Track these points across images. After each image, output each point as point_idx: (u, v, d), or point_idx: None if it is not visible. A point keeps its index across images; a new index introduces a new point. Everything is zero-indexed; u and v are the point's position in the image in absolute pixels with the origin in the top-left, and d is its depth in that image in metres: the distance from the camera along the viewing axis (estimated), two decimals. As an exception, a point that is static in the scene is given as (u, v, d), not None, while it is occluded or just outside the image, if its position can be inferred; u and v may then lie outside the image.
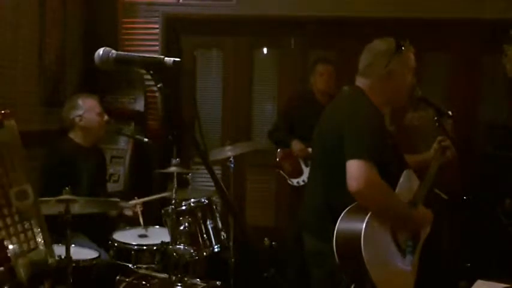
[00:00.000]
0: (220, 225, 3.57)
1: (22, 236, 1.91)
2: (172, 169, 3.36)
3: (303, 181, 4.28)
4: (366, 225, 2.21)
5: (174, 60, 1.60)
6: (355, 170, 2.20)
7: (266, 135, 4.60)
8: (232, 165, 4.06)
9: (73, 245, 2.91)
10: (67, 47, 4.52)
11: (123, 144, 4.67)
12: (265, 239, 4.88)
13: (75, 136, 3.56)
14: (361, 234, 2.20)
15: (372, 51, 2.46)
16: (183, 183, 3.92)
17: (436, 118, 2.62)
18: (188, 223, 3.39)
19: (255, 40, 5.37)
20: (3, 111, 1.95)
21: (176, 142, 3.54)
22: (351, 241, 2.23)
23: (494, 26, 4.59)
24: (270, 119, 5.14)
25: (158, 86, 1.61)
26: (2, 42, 3.63)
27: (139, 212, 3.61)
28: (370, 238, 2.22)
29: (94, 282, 3.10)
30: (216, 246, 3.50)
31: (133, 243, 3.37)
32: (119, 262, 3.33)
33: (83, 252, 3.13)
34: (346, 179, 2.22)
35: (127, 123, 4.63)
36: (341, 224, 2.28)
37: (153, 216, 3.80)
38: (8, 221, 1.88)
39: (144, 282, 3.14)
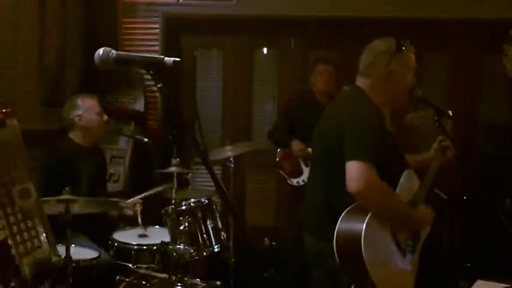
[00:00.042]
0: (220, 225, 3.57)
1: (25, 234, 1.91)
2: (172, 169, 3.36)
3: (303, 181, 4.28)
4: (366, 226, 2.21)
5: (174, 60, 1.60)
6: (354, 171, 2.20)
7: (266, 135, 4.60)
8: (232, 165, 4.06)
9: (73, 245, 2.91)
10: (67, 47, 4.52)
11: (123, 144, 4.67)
12: (265, 239, 4.88)
13: (75, 136, 3.56)
14: (361, 234, 2.20)
15: (373, 51, 2.46)
16: (183, 183, 3.92)
17: (436, 118, 2.62)
18: (188, 223, 3.38)
19: (255, 40, 5.37)
20: (4, 110, 1.95)
21: (176, 142, 3.54)
22: (351, 241, 2.23)
23: (494, 26, 4.59)
24: (270, 119, 5.14)
25: (158, 86, 1.61)
26: (2, 42, 3.63)
27: (139, 211, 3.61)
28: (370, 238, 2.22)
29: (94, 282, 3.10)
30: (216, 246, 3.50)
31: (133, 243, 3.37)
32: (119, 262, 3.33)
33: (83, 252, 3.13)
34: (346, 179, 2.22)
35: (127, 123, 4.62)
36: (341, 225, 2.28)
37: (153, 216, 3.80)
38: (12, 219, 1.88)
39: (144, 282, 3.14)
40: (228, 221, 3.94)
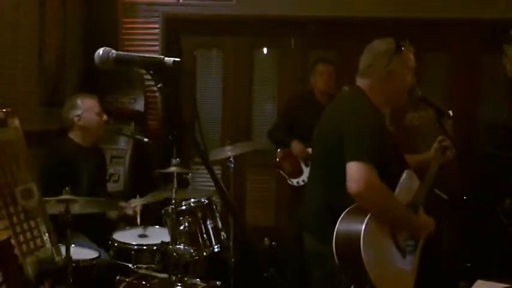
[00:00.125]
0: (220, 225, 3.57)
1: (28, 234, 1.91)
2: (172, 169, 3.36)
3: (303, 181, 4.28)
4: (365, 227, 2.21)
5: (174, 60, 1.60)
6: (355, 172, 2.20)
7: (266, 135, 4.60)
8: (232, 165, 4.06)
9: (73, 245, 2.91)
10: (67, 47, 4.52)
11: (123, 144, 4.66)
12: (265, 239, 4.88)
13: (75, 136, 3.57)
14: (360, 235, 2.20)
15: (372, 51, 2.46)
16: (183, 183, 3.92)
17: (436, 118, 2.62)
18: (188, 223, 3.38)
19: (255, 40, 5.36)
20: (5, 110, 1.95)
21: (176, 142, 3.54)
22: (350, 242, 2.23)
23: (494, 26, 4.59)
24: (270, 119, 5.14)
25: (158, 86, 1.61)
26: (2, 42, 3.63)
27: (138, 211, 3.61)
28: (369, 239, 2.21)
29: (94, 282, 3.10)
30: (216, 246, 3.50)
31: (133, 243, 3.37)
32: (119, 262, 3.33)
33: (83, 252, 3.13)
34: (346, 179, 2.22)
35: (127, 123, 4.62)
36: (341, 225, 2.28)
37: (153, 216, 3.80)
38: (15, 219, 1.88)
39: (144, 282, 3.13)
40: (228, 221, 3.94)
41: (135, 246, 3.35)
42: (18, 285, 1.87)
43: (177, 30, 5.23)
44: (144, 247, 3.36)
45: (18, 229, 1.88)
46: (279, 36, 5.30)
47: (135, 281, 3.14)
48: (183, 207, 3.45)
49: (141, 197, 3.70)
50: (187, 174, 4.03)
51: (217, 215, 3.57)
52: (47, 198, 2.65)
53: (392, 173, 2.40)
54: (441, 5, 4.80)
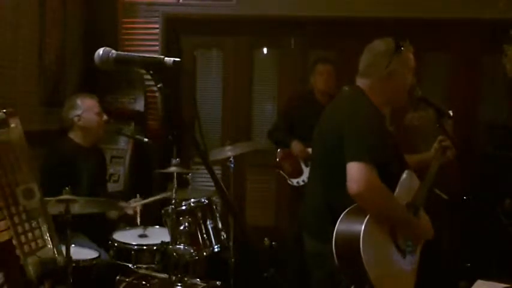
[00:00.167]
0: (220, 225, 3.57)
1: (30, 234, 1.91)
2: (172, 169, 3.36)
3: (303, 181, 4.28)
4: (365, 227, 2.21)
5: (174, 60, 1.60)
6: (355, 172, 2.20)
7: (266, 135, 4.60)
8: (232, 165, 4.06)
9: (73, 245, 2.91)
10: (67, 47, 4.52)
11: (123, 144, 4.66)
12: (265, 239, 4.88)
13: (75, 136, 3.57)
14: (360, 235, 2.20)
15: (372, 51, 2.46)
16: (183, 183, 3.92)
17: (436, 118, 2.62)
18: (188, 223, 3.38)
19: (255, 40, 5.36)
20: (6, 110, 1.95)
21: (176, 142, 3.54)
22: (349, 242, 2.23)
23: (494, 26, 4.59)
24: (270, 119, 5.14)
25: (158, 86, 1.61)
26: (2, 42, 3.63)
27: (138, 211, 3.61)
28: (369, 239, 2.21)
29: (94, 282, 3.10)
30: (216, 246, 3.50)
31: (133, 243, 3.37)
32: (119, 262, 3.33)
33: (83, 252, 3.13)
34: (346, 180, 2.22)
35: (127, 123, 4.62)
36: (340, 226, 2.28)
37: (153, 216, 3.80)
38: (16, 219, 1.88)
39: (144, 282, 3.14)
40: (228, 221, 3.94)
41: (135, 246, 3.35)
42: (20, 286, 1.87)
43: (177, 30, 5.23)
44: (144, 247, 3.36)
45: (19, 229, 1.87)
46: (279, 36, 5.30)
47: (135, 281, 3.14)
48: (183, 207, 3.45)
49: (141, 196, 3.70)
50: (187, 174, 4.03)
51: (217, 215, 3.57)
52: (47, 198, 2.66)
53: (392, 173, 2.40)
54: (441, 5, 4.80)
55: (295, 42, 5.29)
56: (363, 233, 2.20)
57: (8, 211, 1.86)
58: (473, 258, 4.32)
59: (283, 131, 4.40)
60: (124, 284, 3.13)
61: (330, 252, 2.26)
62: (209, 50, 5.50)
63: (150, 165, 4.51)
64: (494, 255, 4.11)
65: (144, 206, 3.69)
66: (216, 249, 3.50)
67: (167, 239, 3.33)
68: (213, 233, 3.50)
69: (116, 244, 3.37)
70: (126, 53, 1.71)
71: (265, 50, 5.48)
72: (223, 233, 3.58)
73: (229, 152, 4.00)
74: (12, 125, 1.95)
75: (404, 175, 2.44)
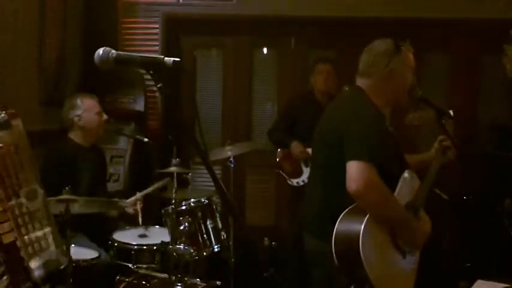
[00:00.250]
0: (220, 225, 3.57)
1: (33, 236, 1.91)
2: (172, 169, 3.36)
3: (303, 181, 4.28)
4: (364, 227, 2.21)
5: (174, 60, 1.60)
6: (355, 171, 2.20)
7: (266, 135, 4.60)
8: (232, 165, 4.06)
9: (73, 245, 2.91)
10: (67, 47, 4.52)
11: (123, 144, 4.66)
12: (265, 239, 4.89)
13: (75, 136, 3.56)
14: (359, 235, 2.20)
15: (372, 51, 2.46)
16: (183, 183, 3.92)
17: (436, 118, 2.62)
18: (188, 223, 3.39)
19: (255, 40, 5.36)
20: (8, 111, 1.94)
21: (176, 142, 3.54)
22: (349, 242, 2.23)
23: (494, 26, 4.59)
24: (270, 119, 5.13)
25: (158, 86, 1.61)
26: (2, 42, 3.63)
27: (139, 209, 3.61)
28: (368, 239, 2.22)
29: (94, 282, 3.10)
30: (216, 246, 3.50)
31: (133, 243, 3.37)
32: (119, 262, 3.33)
33: (83, 252, 3.13)
34: (346, 179, 2.22)
35: (127, 123, 4.62)
36: (340, 225, 2.28)
37: (153, 216, 3.80)
38: (20, 221, 1.87)
39: (144, 282, 3.13)
40: (228, 221, 3.94)
41: (135, 246, 3.35)
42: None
43: (177, 30, 5.23)
44: (144, 247, 3.36)
45: (23, 231, 1.87)
46: (279, 36, 5.30)
47: (135, 281, 3.14)
48: (183, 207, 3.46)
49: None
50: (187, 174, 4.03)
51: (217, 215, 3.57)
52: (47, 198, 2.66)
53: (393, 173, 2.40)
54: (441, 5, 4.80)
55: (295, 42, 5.29)
56: (363, 233, 2.20)
57: (11, 213, 1.85)
58: (473, 258, 4.32)
59: (283, 131, 4.40)
60: (124, 284, 3.13)
61: (330, 252, 2.26)
62: (209, 50, 5.50)
63: (150, 165, 4.51)
64: (494, 255, 4.11)
65: (144, 205, 3.69)
66: (216, 249, 3.51)
67: (167, 239, 3.33)
68: (213, 233, 3.51)
69: (116, 244, 3.37)
70: (126, 53, 1.70)
71: (265, 50, 5.48)
72: (223, 233, 3.59)
73: (229, 152, 4.00)
74: (15, 126, 1.95)
75: (404, 175, 2.44)
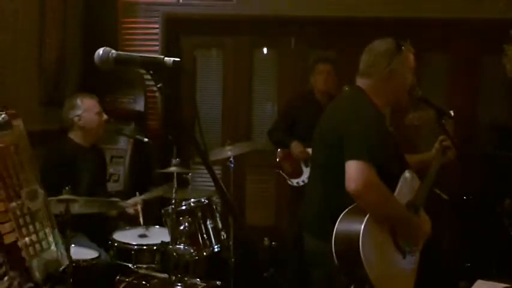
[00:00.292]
0: (220, 225, 3.57)
1: (34, 236, 1.91)
2: (172, 169, 3.36)
3: (303, 181, 4.28)
4: (364, 226, 2.21)
5: (174, 60, 1.60)
6: (354, 170, 2.20)
7: (266, 135, 4.60)
8: (232, 165, 4.06)
9: (73, 245, 2.91)
10: (67, 47, 4.52)
11: (123, 144, 4.66)
12: (265, 239, 4.89)
13: (75, 136, 3.56)
14: (359, 235, 2.20)
15: (373, 51, 2.46)
16: (183, 183, 3.92)
17: (436, 118, 2.62)
18: (188, 223, 3.38)
19: (255, 40, 5.36)
20: (10, 112, 1.94)
21: (176, 142, 3.54)
22: (349, 242, 2.23)
23: (494, 26, 4.59)
24: (270, 119, 5.13)
25: (158, 86, 1.61)
26: (2, 42, 3.63)
27: (140, 210, 3.61)
28: (368, 239, 2.22)
29: (94, 282, 3.10)
30: (216, 246, 3.50)
31: (133, 243, 3.37)
32: (119, 262, 3.33)
33: (83, 252, 3.13)
34: (345, 179, 2.22)
35: (127, 123, 4.62)
36: (340, 225, 2.28)
37: (153, 216, 3.80)
38: (21, 222, 1.87)
39: (144, 282, 3.14)
40: (228, 221, 3.94)
41: (135, 246, 3.35)
42: None
43: (177, 30, 5.23)
44: (144, 247, 3.36)
45: (24, 231, 1.87)
46: (279, 36, 5.30)
47: (135, 281, 3.14)
48: (183, 207, 3.46)
49: (140, 196, 3.70)
50: (187, 174, 4.03)
51: (217, 215, 3.57)
52: (48, 198, 2.66)
53: (393, 173, 2.40)
54: (441, 5, 4.79)
55: (295, 42, 5.29)
56: (363, 233, 2.20)
57: (13, 213, 1.85)
58: (473, 258, 4.32)
59: (283, 131, 4.40)
60: (124, 284, 3.13)
61: (330, 252, 2.26)
62: (209, 50, 5.50)
63: (150, 165, 4.51)
64: (494, 255, 4.11)
65: (144, 205, 3.69)
66: (216, 249, 3.51)
67: (167, 239, 3.33)
68: (213, 233, 3.51)
69: (116, 244, 3.36)
70: (126, 53, 1.70)
71: (265, 50, 5.48)
72: (223, 233, 3.59)
73: (229, 152, 4.00)
74: (15, 127, 1.95)
75: (405, 175, 2.44)
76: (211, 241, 3.49)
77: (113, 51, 1.63)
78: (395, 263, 2.36)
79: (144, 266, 3.33)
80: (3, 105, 1.96)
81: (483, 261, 4.17)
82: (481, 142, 5.00)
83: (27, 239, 1.88)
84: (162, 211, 3.49)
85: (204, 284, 3.22)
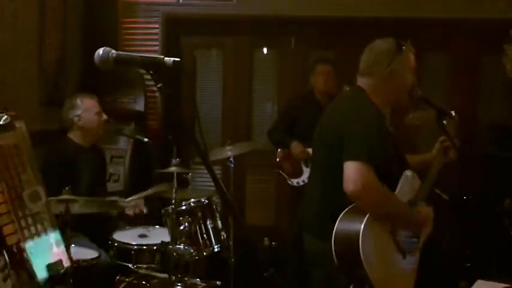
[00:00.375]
0: (220, 225, 3.57)
1: (37, 237, 1.91)
2: (172, 169, 3.36)
3: (303, 181, 4.28)
4: (364, 226, 2.21)
5: (174, 60, 1.60)
6: (352, 171, 2.20)
7: (266, 135, 4.60)
8: (232, 165, 4.05)
9: (73, 245, 2.91)
10: (67, 47, 4.52)
11: (123, 144, 4.66)
12: (265, 239, 4.88)
13: (75, 136, 3.56)
14: (359, 234, 2.20)
15: (373, 51, 2.46)
16: (183, 183, 3.92)
17: (436, 118, 2.62)
18: (188, 223, 3.38)
19: (255, 40, 5.36)
20: (12, 113, 1.94)
21: (176, 142, 3.54)
22: (349, 242, 2.23)
23: (494, 26, 4.59)
24: (270, 119, 5.13)
25: (158, 86, 1.61)
26: (2, 42, 3.63)
27: (145, 211, 3.62)
28: (368, 239, 2.22)
29: (94, 282, 3.10)
30: (216, 246, 3.50)
31: (133, 243, 3.37)
32: (119, 262, 3.33)
33: (83, 252, 3.13)
34: (343, 180, 2.22)
35: (127, 123, 4.62)
36: (340, 225, 2.28)
37: (153, 216, 3.80)
38: (23, 223, 1.87)
39: (144, 282, 3.14)
40: (228, 221, 3.94)
41: (135, 246, 3.35)
42: None
43: (177, 30, 5.23)
44: (144, 247, 3.36)
45: (26, 233, 1.87)
46: (279, 36, 5.30)
47: (135, 281, 3.14)
48: (183, 207, 3.45)
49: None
50: (187, 174, 4.03)
51: (217, 215, 3.57)
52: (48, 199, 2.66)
53: (392, 173, 2.40)
54: (441, 5, 4.79)
55: (295, 42, 5.29)
56: (362, 233, 2.20)
57: (15, 215, 1.85)
58: (473, 258, 4.32)
59: (283, 131, 4.40)
60: (124, 284, 3.13)
61: (330, 251, 2.26)
62: (209, 50, 5.50)
63: (150, 165, 4.51)
64: (494, 255, 4.11)
65: (145, 205, 3.69)
66: (216, 249, 3.50)
67: (167, 239, 3.33)
68: (213, 233, 3.50)
69: (116, 244, 3.36)
70: (126, 53, 1.70)
71: (265, 50, 5.48)
72: (223, 233, 3.58)
73: (229, 152, 4.00)
74: (17, 128, 1.95)
75: (406, 174, 2.44)
76: (211, 241, 3.49)
77: (113, 51, 1.63)
78: (395, 263, 2.36)
79: (144, 266, 3.33)
80: (3, 107, 1.96)
81: (483, 261, 4.17)
82: (481, 142, 4.99)
83: (29, 240, 1.88)
84: (162, 211, 3.49)
85: (204, 284, 3.22)
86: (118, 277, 3.18)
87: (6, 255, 1.80)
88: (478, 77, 5.11)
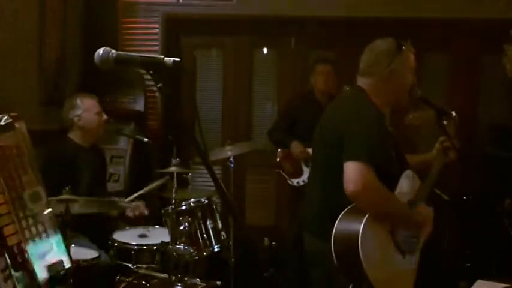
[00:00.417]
0: (220, 225, 3.57)
1: (37, 238, 1.91)
2: (172, 169, 3.36)
3: (303, 181, 4.28)
4: (363, 226, 2.21)
5: (174, 60, 1.60)
6: (352, 172, 2.20)
7: (266, 135, 4.60)
8: (232, 165, 4.06)
9: (73, 245, 2.91)
10: (67, 47, 4.52)
11: (123, 144, 4.66)
12: (265, 239, 4.88)
13: (75, 136, 3.56)
14: (358, 234, 2.20)
15: (374, 51, 2.46)
16: (183, 183, 3.92)
17: (436, 118, 2.62)
18: (188, 223, 3.39)
19: (255, 40, 5.36)
20: (12, 114, 1.94)
21: (176, 142, 3.54)
22: (348, 242, 2.23)
23: (494, 26, 4.59)
24: (270, 119, 5.13)
25: (158, 86, 1.61)
26: (2, 42, 3.63)
27: (146, 212, 3.62)
28: (367, 239, 2.21)
29: (94, 282, 3.10)
30: (216, 246, 3.50)
31: (133, 243, 3.37)
32: (119, 262, 3.33)
33: (83, 252, 3.13)
34: (343, 180, 2.22)
35: (127, 123, 4.62)
36: (339, 225, 2.28)
37: (153, 216, 3.80)
38: (24, 224, 1.87)
39: (144, 282, 3.14)
40: (228, 221, 3.94)
41: (135, 246, 3.35)
42: None
43: (177, 30, 5.23)
44: (144, 247, 3.36)
45: (27, 234, 1.87)
46: (279, 36, 5.30)
47: (135, 281, 3.14)
48: (183, 207, 3.46)
49: (140, 197, 3.69)
50: (187, 174, 4.03)
51: (217, 215, 3.57)
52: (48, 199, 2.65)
53: (392, 173, 2.40)
54: (441, 5, 4.79)
55: (295, 42, 5.29)
56: (362, 233, 2.20)
57: (16, 215, 1.85)
58: (473, 258, 4.32)
59: (283, 131, 4.40)
60: (124, 284, 3.13)
61: (330, 251, 2.26)
62: (209, 50, 5.50)
63: (150, 165, 4.51)
64: (494, 255, 4.11)
65: (146, 205, 3.69)
66: (216, 249, 3.51)
67: (167, 239, 3.33)
68: (213, 233, 3.51)
69: (116, 244, 3.37)
70: (126, 53, 1.70)
71: (265, 50, 5.48)
72: (223, 233, 3.59)
73: (229, 152, 4.00)
74: (18, 129, 1.95)
75: (405, 175, 2.44)
76: (211, 241, 3.49)
77: (113, 51, 1.63)
78: (394, 263, 2.36)
79: (144, 266, 3.33)
80: (1, 104, 1.96)
81: (483, 261, 4.17)
82: (481, 142, 5.00)
83: (30, 240, 1.88)
84: (162, 211, 3.49)
85: (204, 284, 3.22)
86: (118, 277, 3.18)
87: (7, 256, 1.80)
88: (478, 77, 5.11)
